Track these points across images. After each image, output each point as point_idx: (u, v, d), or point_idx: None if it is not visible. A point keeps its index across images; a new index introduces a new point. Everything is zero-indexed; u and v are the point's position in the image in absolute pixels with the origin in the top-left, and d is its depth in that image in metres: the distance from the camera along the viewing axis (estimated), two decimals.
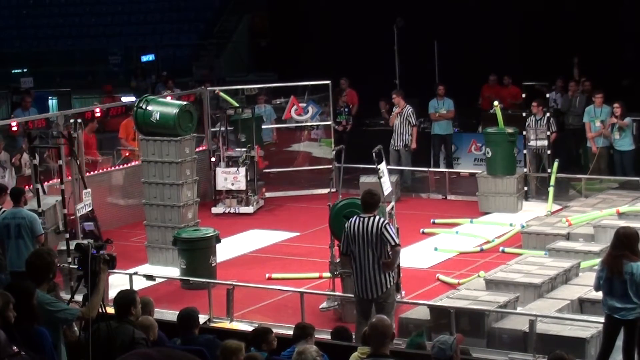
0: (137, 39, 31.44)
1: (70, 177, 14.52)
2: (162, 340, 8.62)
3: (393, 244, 10.35)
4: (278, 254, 15.23)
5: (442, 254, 14.82)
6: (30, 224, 12.08)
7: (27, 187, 13.81)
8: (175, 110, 14.75)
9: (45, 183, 14.34)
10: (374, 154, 12.78)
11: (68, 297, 10.22)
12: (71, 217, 13.91)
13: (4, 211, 12.47)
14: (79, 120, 14.87)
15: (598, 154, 17.90)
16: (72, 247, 12.70)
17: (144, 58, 29.87)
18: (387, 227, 10.38)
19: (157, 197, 14.91)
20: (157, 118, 14.77)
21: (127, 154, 18.29)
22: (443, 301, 11.55)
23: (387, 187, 12.86)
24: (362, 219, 10.44)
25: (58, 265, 10.13)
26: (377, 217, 10.43)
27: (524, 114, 18.26)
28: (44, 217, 13.27)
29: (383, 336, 7.39)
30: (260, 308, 12.72)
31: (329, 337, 9.83)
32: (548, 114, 17.82)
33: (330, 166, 17.22)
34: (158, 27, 31.98)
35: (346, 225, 10.55)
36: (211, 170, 18.06)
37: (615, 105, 17.71)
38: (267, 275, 13.90)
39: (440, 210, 17.41)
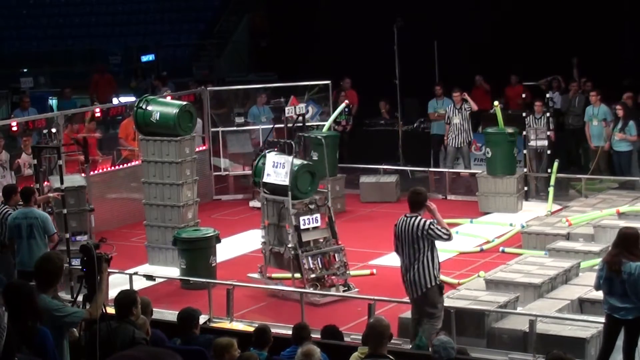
0: (137, 39, 31.41)
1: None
2: (162, 340, 8.62)
3: (445, 238, 10.36)
4: None
5: (442, 254, 14.73)
6: (43, 224, 12.11)
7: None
8: (175, 110, 14.75)
9: (46, 183, 14.34)
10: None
11: (67, 297, 10.25)
12: None
13: (7, 210, 12.49)
14: (54, 130, 14.94)
15: (598, 154, 17.94)
16: (72, 247, 12.77)
17: (144, 58, 29.83)
18: (432, 227, 10.30)
19: (157, 197, 14.91)
20: (157, 118, 14.77)
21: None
22: None
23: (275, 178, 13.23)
24: (407, 218, 10.40)
25: None
26: (420, 218, 10.34)
27: (524, 114, 18.29)
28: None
29: (381, 336, 7.42)
30: (260, 308, 12.73)
31: (318, 336, 9.79)
32: (548, 114, 17.88)
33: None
34: (158, 27, 31.94)
35: (395, 225, 10.53)
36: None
37: (617, 107, 17.77)
38: (267, 275, 13.90)
39: (440, 210, 17.04)
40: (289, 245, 13.09)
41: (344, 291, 13.02)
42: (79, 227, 13.55)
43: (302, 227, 13.09)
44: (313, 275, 12.99)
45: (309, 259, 12.99)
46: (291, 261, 13.13)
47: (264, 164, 13.52)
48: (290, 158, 13.28)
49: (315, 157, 17.22)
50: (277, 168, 13.28)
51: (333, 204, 16.82)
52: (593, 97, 18.21)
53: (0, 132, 16.50)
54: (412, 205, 10.51)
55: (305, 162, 13.78)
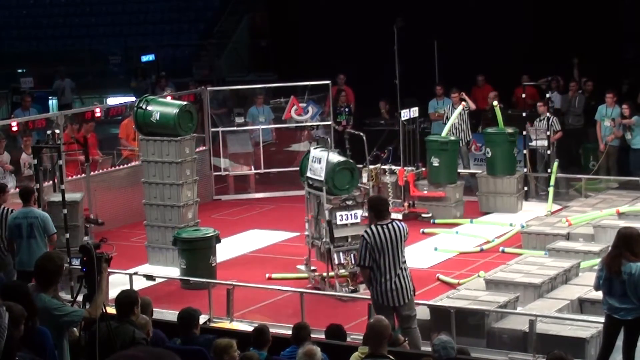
0: (137, 39, 31.41)
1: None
2: (162, 340, 8.62)
3: None
4: (278, 254, 15.23)
5: (442, 254, 14.82)
6: (43, 223, 12.13)
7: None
8: (175, 110, 14.76)
9: (45, 183, 14.35)
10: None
11: (67, 297, 10.24)
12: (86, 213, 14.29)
13: (4, 208, 12.50)
14: (57, 131, 14.92)
15: (607, 151, 17.92)
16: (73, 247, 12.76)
17: (144, 58, 29.84)
18: None
19: (157, 197, 14.92)
20: (157, 118, 14.78)
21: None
22: (443, 301, 11.55)
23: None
24: (384, 226, 10.11)
25: None
26: (399, 222, 10.32)
27: (523, 114, 18.28)
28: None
29: (380, 336, 7.43)
30: (260, 308, 12.73)
31: (322, 336, 9.80)
32: (548, 114, 17.88)
33: None
34: (158, 27, 31.95)
35: (367, 237, 10.10)
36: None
37: (624, 106, 17.80)
38: (267, 275, 13.91)
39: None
40: (323, 240, 13.23)
41: None
42: (71, 243, 12.98)
43: (338, 222, 13.04)
44: (343, 271, 13.03)
45: (340, 254, 13.06)
46: (325, 255, 13.27)
47: (310, 159, 13.78)
48: (325, 153, 13.34)
49: (435, 164, 16.90)
50: (315, 163, 13.45)
51: (452, 211, 16.70)
52: (609, 99, 18.12)
53: (0, 132, 16.50)
54: (384, 212, 10.25)
55: (345, 159, 13.76)
